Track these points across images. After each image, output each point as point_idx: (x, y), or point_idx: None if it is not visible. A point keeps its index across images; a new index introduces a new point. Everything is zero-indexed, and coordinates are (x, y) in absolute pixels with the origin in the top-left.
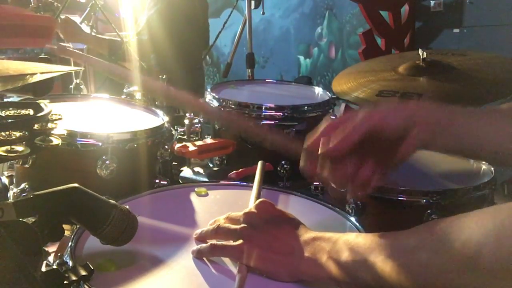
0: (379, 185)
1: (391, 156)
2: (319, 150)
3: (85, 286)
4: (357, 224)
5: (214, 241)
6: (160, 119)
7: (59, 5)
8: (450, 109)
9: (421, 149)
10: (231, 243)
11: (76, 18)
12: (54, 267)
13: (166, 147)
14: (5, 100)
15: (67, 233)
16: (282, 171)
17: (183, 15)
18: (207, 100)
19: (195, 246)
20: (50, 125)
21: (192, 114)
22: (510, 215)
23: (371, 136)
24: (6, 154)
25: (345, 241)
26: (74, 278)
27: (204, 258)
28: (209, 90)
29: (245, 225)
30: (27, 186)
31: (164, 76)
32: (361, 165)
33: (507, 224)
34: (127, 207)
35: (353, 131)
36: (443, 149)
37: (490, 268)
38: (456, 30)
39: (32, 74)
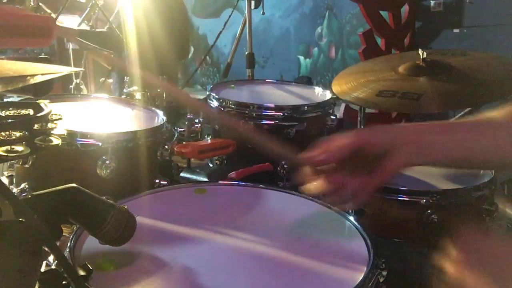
0: (366, 201)
1: (375, 174)
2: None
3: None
4: (357, 224)
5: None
6: (160, 119)
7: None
8: (435, 126)
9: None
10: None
11: (76, 18)
12: (53, 267)
13: (166, 147)
14: (5, 100)
15: (66, 233)
16: (282, 171)
17: (159, 22)
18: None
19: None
20: (50, 125)
21: (192, 114)
22: None
23: (357, 154)
24: (6, 154)
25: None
26: None
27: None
28: (209, 90)
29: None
30: (27, 186)
31: (164, 76)
32: (349, 179)
33: None
34: (126, 207)
35: (340, 147)
36: (433, 164)
37: None
38: (456, 30)
39: (33, 76)
